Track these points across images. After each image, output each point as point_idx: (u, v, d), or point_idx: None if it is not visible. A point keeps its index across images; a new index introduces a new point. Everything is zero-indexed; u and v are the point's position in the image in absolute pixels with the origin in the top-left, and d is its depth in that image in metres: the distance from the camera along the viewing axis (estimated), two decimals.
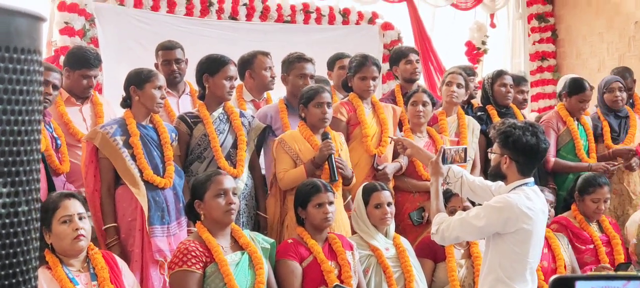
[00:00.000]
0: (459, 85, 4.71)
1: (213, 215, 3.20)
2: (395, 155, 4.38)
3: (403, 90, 5.03)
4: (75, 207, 3.03)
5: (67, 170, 3.91)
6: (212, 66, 3.94)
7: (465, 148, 3.51)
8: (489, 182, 3.39)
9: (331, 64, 5.22)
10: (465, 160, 3.49)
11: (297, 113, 4.23)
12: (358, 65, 4.30)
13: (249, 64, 4.62)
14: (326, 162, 3.88)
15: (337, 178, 3.87)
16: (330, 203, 3.59)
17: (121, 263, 3.22)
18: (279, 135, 4.06)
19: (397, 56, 5.08)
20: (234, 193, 3.24)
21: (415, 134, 4.50)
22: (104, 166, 3.67)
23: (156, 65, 4.58)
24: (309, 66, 4.34)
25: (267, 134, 4.28)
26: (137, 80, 3.73)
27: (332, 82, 5.12)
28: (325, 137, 3.94)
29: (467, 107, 5.18)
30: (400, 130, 4.56)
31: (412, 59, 5.00)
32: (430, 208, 3.36)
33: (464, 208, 3.74)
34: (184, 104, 4.61)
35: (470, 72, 5.22)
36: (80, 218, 3.03)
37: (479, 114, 4.99)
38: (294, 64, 4.33)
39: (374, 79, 4.31)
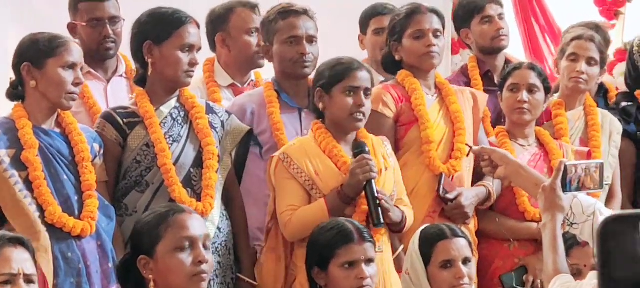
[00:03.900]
0: (590, 61, 4.72)
1: (171, 283, 3.20)
2: (478, 177, 4.37)
3: (483, 67, 5.04)
4: (21, 261, 3.05)
5: None
6: (158, 28, 4.03)
7: (601, 165, 3.50)
8: None
9: (364, 22, 5.27)
10: (601, 186, 3.48)
11: (294, 106, 4.28)
12: (407, 17, 4.38)
13: (223, 22, 4.67)
14: (363, 193, 3.92)
15: (382, 222, 3.92)
16: (369, 261, 3.61)
17: None
18: (282, 148, 4.08)
19: (467, 11, 5.09)
20: (206, 246, 3.24)
21: (514, 139, 4.53)
22: None
23: (71, 29, 4.62)
24: (303, 22, 4.37)
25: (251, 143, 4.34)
26: (34, 54, 3.79)
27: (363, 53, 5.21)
28: (359, 148, 3.99)
29: (599, 93, 5.16)
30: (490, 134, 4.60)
31: (492, 13, 5.01)
32: (540, 267, 3.42)
33: (594, 269, 3.69)
34: (116, 92, 4.65)
35: (602, 35, 5.17)
36: (28, 282, 3.04)
37: (622, 105, 4.97)
38: (278, 22, 4.37)
39: (436, 34, 4.35)
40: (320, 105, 4.02)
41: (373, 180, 3.91)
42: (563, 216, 3.35)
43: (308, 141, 4.05)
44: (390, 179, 4.07)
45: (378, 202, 3.90)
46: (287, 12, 4.36)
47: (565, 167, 3.37)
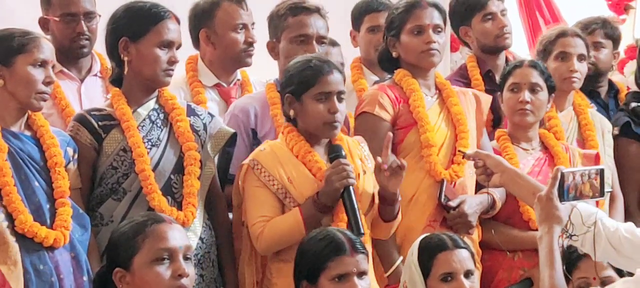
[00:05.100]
0: (580, 58, 4.78)
1: None
2: (480, 185, 4.36)
3: (483, 66, 5.09)
4: None
5: None
6: (135, 24, 4.06)
7: (602, 171, 3.52)
8: None
9: (357, 18, 5.30)
10: (602, 193, 3.51)
11: None
12: (406, 11, 4.41)
13: (207, 17, 4.71)
14: (341, 202, 3.95)
15: (362, 231, 3.91)
16: (362, 274, 3.61)
17: None
18: (252, 154, 4.09)
19: (467, 7, 5.13)
20: (187, 258, 3.30)
21: (517, 143, 4.58)
22: None
23: (43, 24, 4.66)
24: (314, 21, 4.44)
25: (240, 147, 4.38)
26: (2, 51, 3.80)
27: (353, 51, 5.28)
28: (335, 152, 4.01)
29: (610, 93, 5.21)
30: (492, 138, 4.65)
31: (495, 10, 5.07)
32: (540, 280, 3.36)
33: (603, 282, 3.76)
34: (91, 92, 4.67)
35: (610, 31, 5.24)
36: None
37: (632, 105, 4.97)
38: (287, 18, 4.44)
39: (437, 30, 4.38)
40: (291, 113, 4.03)
41: (351, 188, 3.93)
42: (561, 227, 3.37)
43: (279, 146, 4.06)
44: (369, 182, 4.09)
45: (357, 210, 3.92)
46: (298, 8, 4.44)
47: (563, 174, 3.40)
